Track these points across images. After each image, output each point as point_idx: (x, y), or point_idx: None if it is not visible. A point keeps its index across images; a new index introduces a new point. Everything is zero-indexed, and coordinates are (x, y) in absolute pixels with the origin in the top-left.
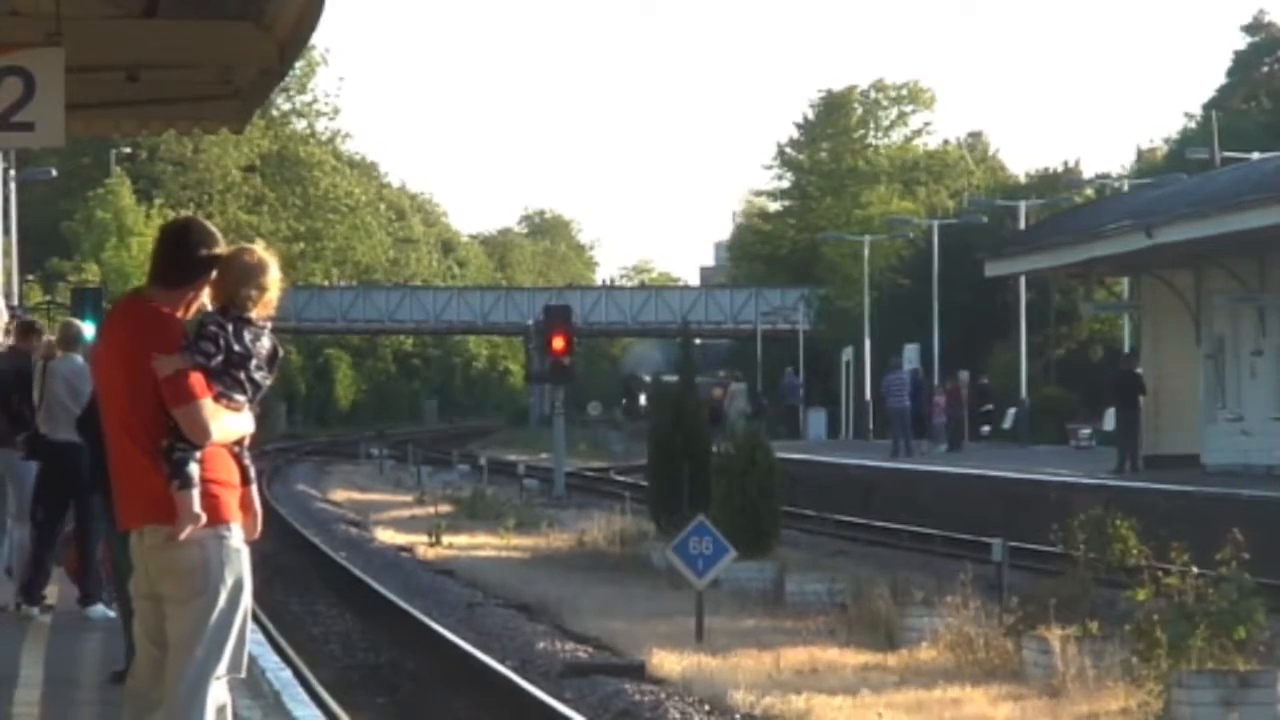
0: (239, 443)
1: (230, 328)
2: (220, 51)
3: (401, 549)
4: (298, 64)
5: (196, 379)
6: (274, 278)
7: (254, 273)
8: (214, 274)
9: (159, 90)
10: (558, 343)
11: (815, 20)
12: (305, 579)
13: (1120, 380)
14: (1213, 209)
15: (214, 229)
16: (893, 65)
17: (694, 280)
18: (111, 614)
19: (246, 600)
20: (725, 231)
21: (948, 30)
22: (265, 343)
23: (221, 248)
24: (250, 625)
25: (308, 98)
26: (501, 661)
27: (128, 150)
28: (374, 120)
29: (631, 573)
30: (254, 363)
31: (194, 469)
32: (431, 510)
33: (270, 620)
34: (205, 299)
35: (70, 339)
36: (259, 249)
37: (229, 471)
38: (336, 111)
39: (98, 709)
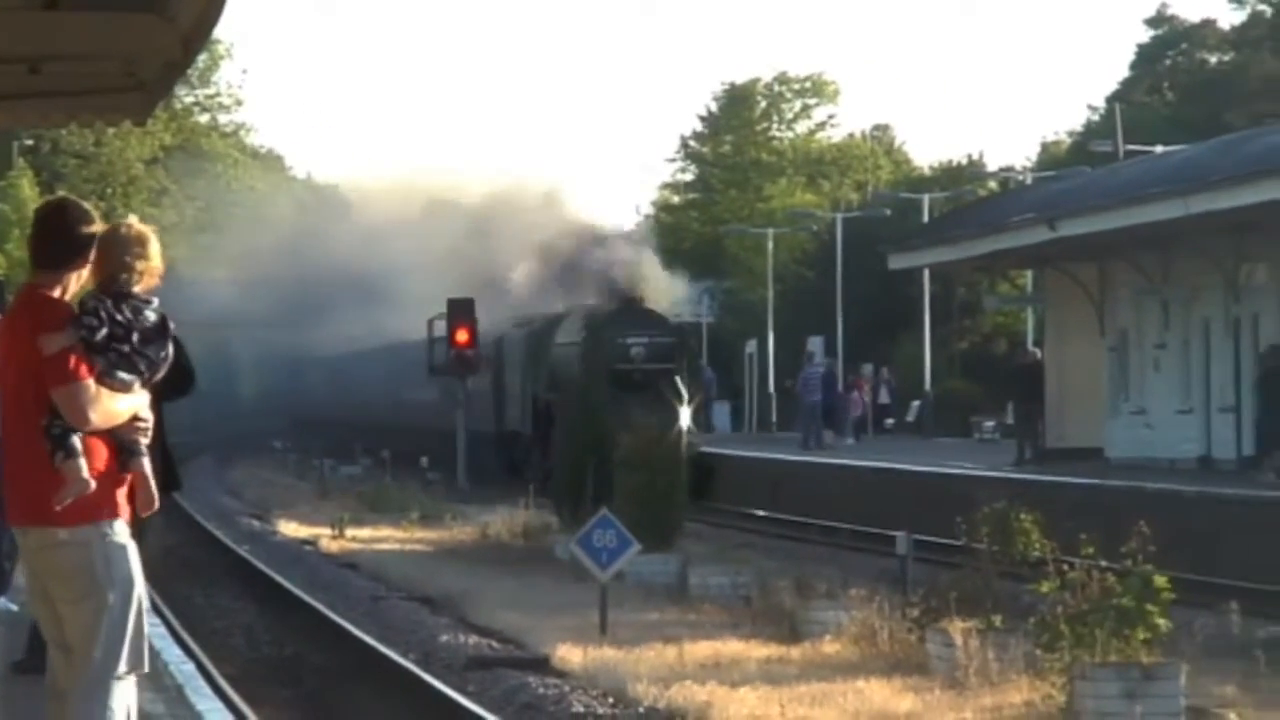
0: (132, 422)
1: (110, 303)
2: (123, 44)
3: (305, 542)
4: (201, 57)
5: (78, 361)
6: (154, 249)
7: (134, 246)
8: (94, 252)
9: (61, 82)
10: (461, 335)
11: (716, 12)
12: (208, 572)
13: (1019, 373)
14: (1116, 202)
15: (89, 207)
16: (796, 58)
17: None
18: (14, 607)
19: (139, 594)
20: (629, 224)
21: (852, 22)
22: (150, 315)
23: (98, 225)
24: (151, 618)
25: (210, 90)
26: (405, 655)
27: (30, 142)
28: (280, 112)
29: (535, 566)
30: (136, 336)
31: (76, 440)
32: (335, 503)
33: (173, 613)
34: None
35: None
36: (135, 222)
37: (109, 464)
38: (239, 104)
39: None
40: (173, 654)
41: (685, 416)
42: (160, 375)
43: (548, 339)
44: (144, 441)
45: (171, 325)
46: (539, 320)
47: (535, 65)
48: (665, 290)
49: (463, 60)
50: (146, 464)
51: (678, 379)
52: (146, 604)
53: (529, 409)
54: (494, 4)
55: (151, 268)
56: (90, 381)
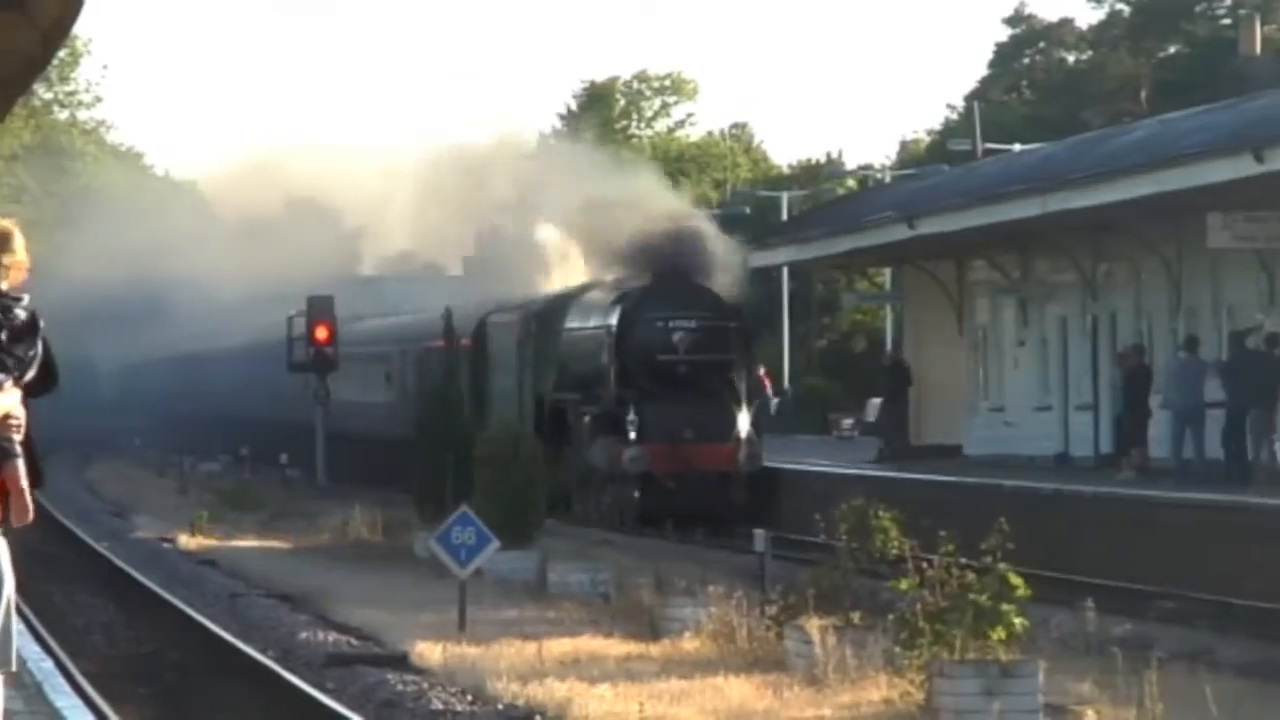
0: (4, 420)
1: None
2: None
3: (164, 539)
4: (60, 53)
5: None
6: (19, 244)
7: None
8: None
9: None
10: (321, 332)
11: (575, 11)
12: (67, 569)
13: (891, 371)
14: (974, 201)
15: None
16: (655, 55)
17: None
18: None
19: (8, 593)
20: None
21: (709, 20)
22: (20, 313)
23: None
24: (15, 618)
25: (70, 87)
26: (264, 652)
27: None
28: (139, 108)
29: (395, 563)
30: (5, 334)
31: None
32: (194, 500)
33: (32, 611)
34: None
35: None
36: None
37: None
38: (98, 100)
39: None
40: (32, 651)
41: (744, 422)
42: (31, 374)
43: (554, 324)
44: (17, 439)
45: (41, 323)
46: (539, 301)
47: (394, 63)
48: (719, 257)
49: (317, 54)
50: (21, 467)
51: (734, 374)
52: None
53: (530, 413)
54: (339, 5)
55: (18, 262)
56: None
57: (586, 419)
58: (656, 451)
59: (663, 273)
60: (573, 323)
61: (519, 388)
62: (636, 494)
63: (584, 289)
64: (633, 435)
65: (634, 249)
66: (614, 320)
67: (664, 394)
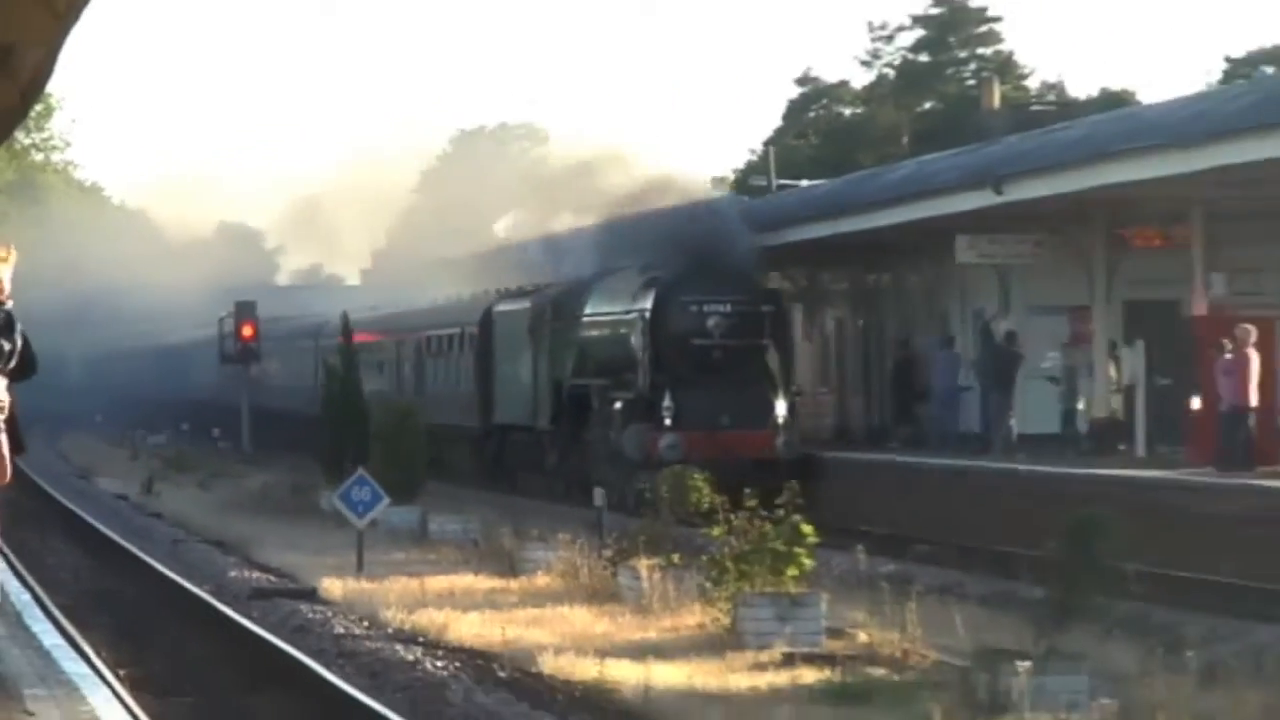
0: None
1: None
2: None
3: (119, 496)
4: (36, 107)
5: None
6: (1, 256)
7: None
8: None
9: None
10: (246, 331)
11: (446, 60)
12: (41, 520)
13: None
14: (769, 225)
15: None
16: (511, 104)
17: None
18: None
19: None
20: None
21: (557, 71)
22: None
23: None
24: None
25: (45, 134)
26: (201, 587)
27: None
28: (101, 143)
29: (306, 516)
30: None
31: None
32: (144, 465)
33: (13, 553)
34: None
35: None
36: None
37: None
38: (68, 145)
39: None
40: (12, 586)
41: (782, 408)
42: (12, 364)
43: (573, 310)
44: (2, 417)
45: (19, 324)
46: (555, 288)
47: (305, 98)
48: (747, 238)
49: (232, 87)
50: (4, 440)
51: (770, 359)
52: None
53: (547, 399)
54: (253, 39)
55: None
56: None
57: (617, 405)
58: (693, 438)
59: (695, 255)
60: (595, 308)
61: (533, 374)
62: None
63: (601, 274)
64: (668, 422)
65: (661, 231)
66: (647, 304)
67: (699, 379)
